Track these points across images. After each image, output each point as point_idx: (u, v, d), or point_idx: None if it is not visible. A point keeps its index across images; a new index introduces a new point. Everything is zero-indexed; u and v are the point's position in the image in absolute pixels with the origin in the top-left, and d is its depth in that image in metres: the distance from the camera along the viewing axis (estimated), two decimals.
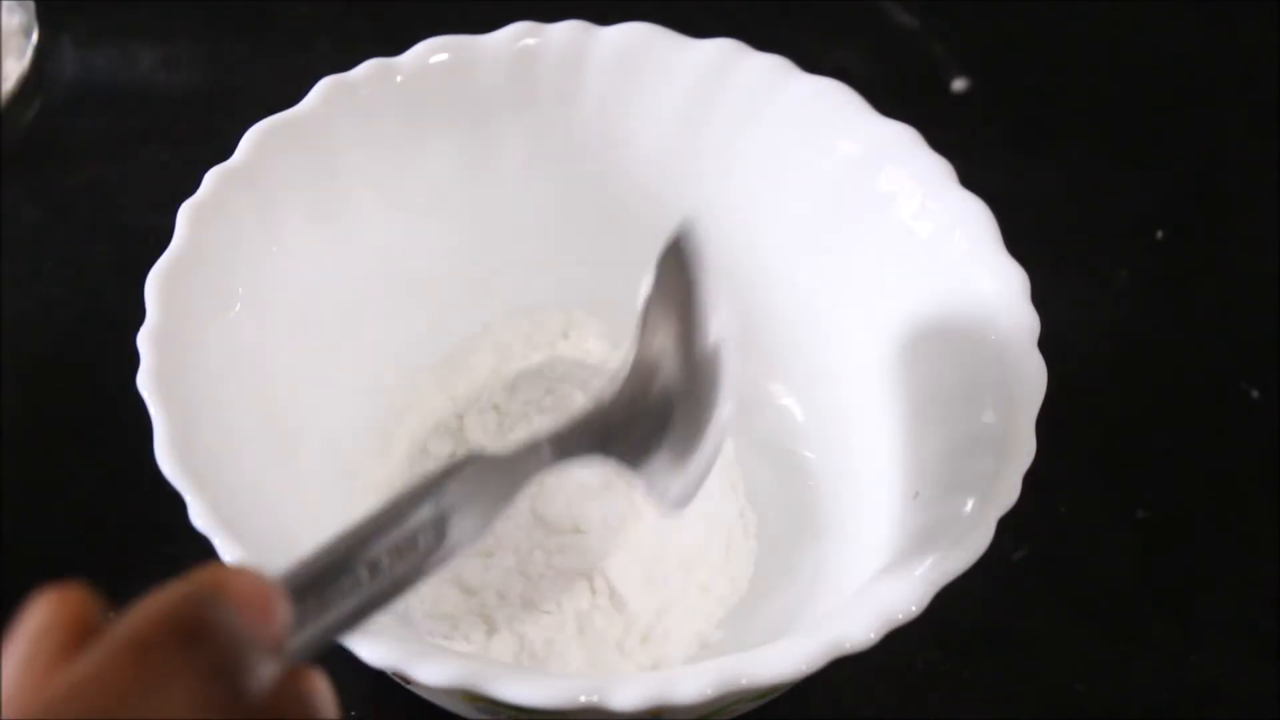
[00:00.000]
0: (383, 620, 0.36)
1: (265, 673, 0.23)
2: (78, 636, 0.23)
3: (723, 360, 0.37)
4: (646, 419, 0.36)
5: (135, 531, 0.47)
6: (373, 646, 0.34)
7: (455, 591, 0.43)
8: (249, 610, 0.24)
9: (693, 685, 0.33)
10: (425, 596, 0.43)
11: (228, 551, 0.35)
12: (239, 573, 0.24)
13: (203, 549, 0.34)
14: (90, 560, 0.47)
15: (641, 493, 0.37)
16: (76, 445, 0.50)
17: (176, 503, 0.36)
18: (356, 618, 0.27)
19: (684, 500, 0.37)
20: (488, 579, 0.43)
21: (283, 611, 0.25)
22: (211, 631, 0.23)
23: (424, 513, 0.28)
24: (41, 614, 0.23)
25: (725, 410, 0.37)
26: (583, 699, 0.33)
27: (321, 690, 0.25)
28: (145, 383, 0.37)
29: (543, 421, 0.46)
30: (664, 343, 0.36)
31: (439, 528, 0.28)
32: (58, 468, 0.49)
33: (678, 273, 0.37)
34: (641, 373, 0.36)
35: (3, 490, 0.48)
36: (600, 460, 0.36)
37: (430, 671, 0.33)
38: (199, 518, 0.35)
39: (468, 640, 0.43)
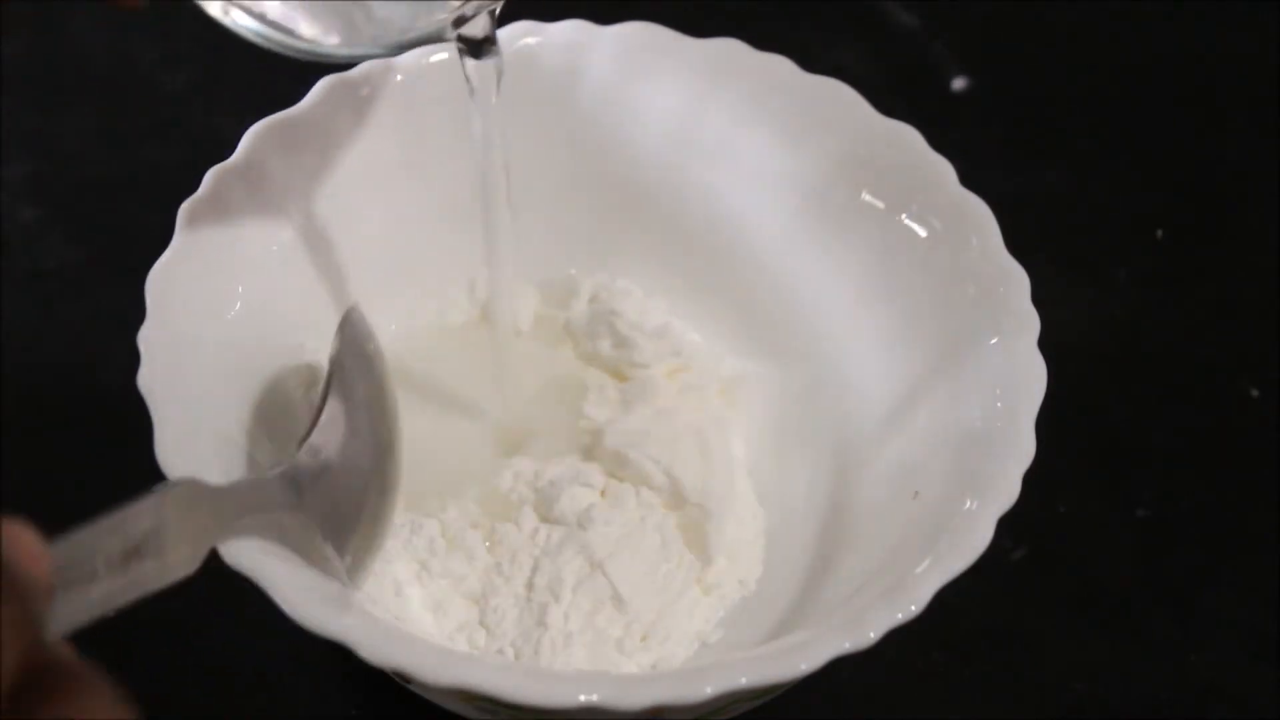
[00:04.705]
0: (383, 620, 0.36)
1: (46, 619, 0.24)
2: None
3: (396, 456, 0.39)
4: (336, 489, 0.37)
5: None
6: (373, 646, 0.34)
7: (457, 590, 0.43)
8: (20, 549, 0.24)
9: (693, 685, 0.33)
10: (427, 594, 0.43)
11: (228, 550, 0.35)
12: (6, 519, 0.25)
13: None
14: None
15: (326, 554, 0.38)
16: (76, 445, 0.50)
17: None
18: (97, 607, 0.27)
19: (353, 576, 0.38)
20: (490, 580, 0.43)
21: (48, 559, 0.25)
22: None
23: (144, 524, 0.29)
24: None
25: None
26: (583, 699, 0.33)
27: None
28: (145, 383, 0.37)
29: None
30: (343, 413, 0.38)
31: (158, 542, 0.29)
32: (58, 468, 0.49)
33: (355, 347, 0.39)
34: (329, 439, 0.38)
35: (3, 490, 0.48)
36: (294, 515, 0.37)
37: (430, 671, 0.33)
38: None
39: (468, 640, 0.43)
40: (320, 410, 0.38)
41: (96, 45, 0.62)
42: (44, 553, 0.25)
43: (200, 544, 0.31)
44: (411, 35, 0.38)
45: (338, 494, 0.38)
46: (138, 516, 0.29)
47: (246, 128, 0.43)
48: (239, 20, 0.36)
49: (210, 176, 0.42)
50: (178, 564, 0.30)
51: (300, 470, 0.37)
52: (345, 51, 0.38)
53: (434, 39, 0.39)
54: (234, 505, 0.34)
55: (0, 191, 0.56)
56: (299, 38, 0.37)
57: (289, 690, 0.45)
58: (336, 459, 0.37)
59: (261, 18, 0.36)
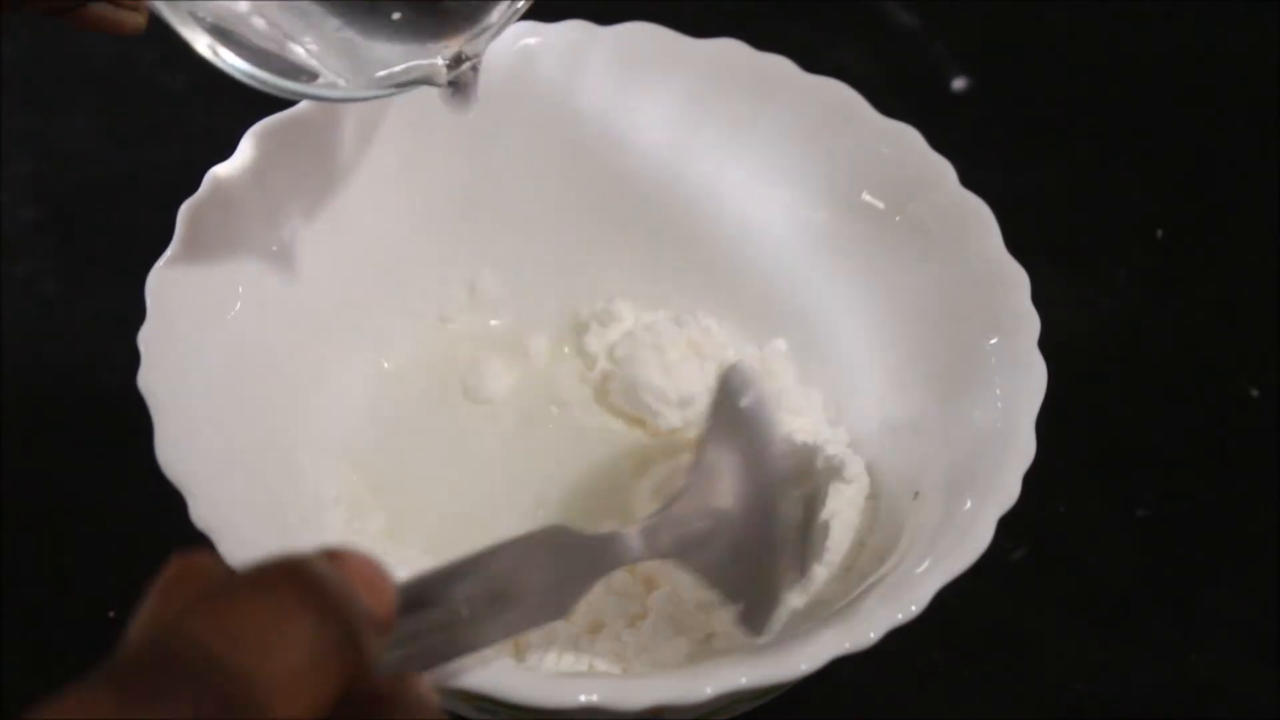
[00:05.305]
0: None
1: (377, 651, 0.24)
2: (210, 585, 0.23)
3: (786, 500, 0.36)
4: (719, 538, 0.36)
5: (135, 531, 0.47)
6: None
7: None
8: (362, 582, 0.24)
9: (693, 685, 0.33)
10: None
11: (228, 551, 0.35)
12: (352, 551, 0.25)
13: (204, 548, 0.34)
14: (90, 560, 0.47)
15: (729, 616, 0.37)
16: (76, 445, 0.50)
17: (176, 502, 0.36)
18: (451, 652, 0.27)
19: (760, 631, 0.36)
20: None
21: (391, 594, 0.25)
22: (330, 586, 0.23)
23: (503, 566, 0.29)
24: (176, 566, 0.24)
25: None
26: (583, 699, 0.33)
27: (426, 692, 0.25)
28: (145, 383, 0.37)
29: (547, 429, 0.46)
30: (725, 466, 0.36)
31: (520, 588, 0.29)
32: (58, 468, 0.49)
33: (733, 401, 0.37)
34: (705, 489, 0.36)
35: (3, 490, 0.48)
36: (681, 565, 0.36)
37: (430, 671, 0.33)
38: (199, 517, 0.35)
39: None
40: (696, 464, 0.37)
41: (96, 45, 0.61)
42: (387, 586, 0.25)
43: (565, 594, 0.31)
44: (400, 80, 0.39)
45: (716, 544, 0.36)
46: (497, 559, 0.29)
47: (246, 128, 0.43)
48: (227, 59, 0.36)
49: (210, 176, 0.42)
50: (543, 610, 0.30)
51: (666, 523, 0.36)
52: (335, 94, 0.38)
53: (425, 82, 0.39)
54: (599, 557, 0.33)
55: (0, 191, 0.56)
56: (286, 79, 0.37)
57: None
58: (713, 510, 0.36)
59: (248, 50, 0.36)
